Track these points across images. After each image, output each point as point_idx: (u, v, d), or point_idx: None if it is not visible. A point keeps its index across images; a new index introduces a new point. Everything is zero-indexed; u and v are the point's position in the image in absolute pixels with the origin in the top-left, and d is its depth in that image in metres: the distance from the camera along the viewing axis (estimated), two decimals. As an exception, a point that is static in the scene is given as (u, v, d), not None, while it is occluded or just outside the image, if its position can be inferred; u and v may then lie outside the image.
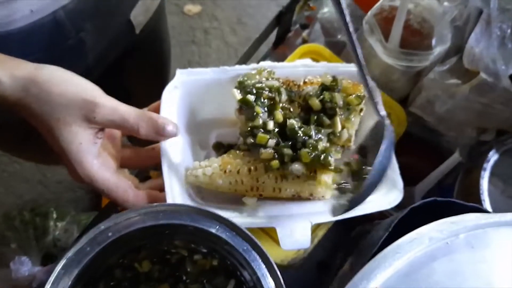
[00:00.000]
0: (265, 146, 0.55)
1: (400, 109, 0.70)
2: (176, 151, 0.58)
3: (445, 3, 0.64)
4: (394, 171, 0.60)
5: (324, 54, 0.73)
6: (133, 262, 0.57)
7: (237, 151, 0.58)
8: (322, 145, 0.56)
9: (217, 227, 0.46)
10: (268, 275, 0.45)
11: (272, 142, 0.55)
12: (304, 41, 0.88)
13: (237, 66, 0.63)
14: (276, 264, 0.60)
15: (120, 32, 0.79)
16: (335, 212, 0.57)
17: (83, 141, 0.51)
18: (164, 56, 1.02)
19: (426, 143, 0.73)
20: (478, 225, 0.41)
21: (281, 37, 0.86)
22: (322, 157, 0.55)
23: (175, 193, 0.55)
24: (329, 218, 0.56)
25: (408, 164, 0.72)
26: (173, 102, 0.60)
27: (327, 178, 0.56)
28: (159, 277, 0.58)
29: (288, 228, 0.55)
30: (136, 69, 0.94)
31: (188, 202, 0.56)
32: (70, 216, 0.87)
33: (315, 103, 0.57)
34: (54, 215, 0.90)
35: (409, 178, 0.71)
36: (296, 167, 0.55)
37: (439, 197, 0.68)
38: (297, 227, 0.55)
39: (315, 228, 0.61)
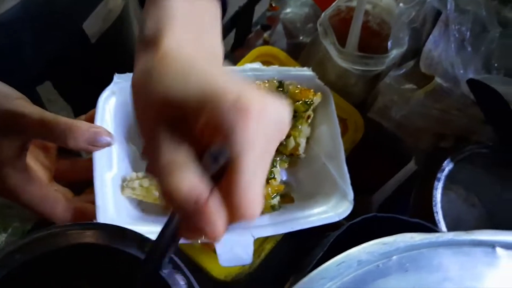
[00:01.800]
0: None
1: (358, 115, 0.67)
2: (113, 162, 0.55)
3: (401, 4, 0.61)
4: (344, 182, 0.57)
5: (279, 57, 0.69)
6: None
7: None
8: None
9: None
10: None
11: None
12: (266, 43, 0.85)
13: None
14: (219, 280, 0.57)
15: (72, 42, 0.75)
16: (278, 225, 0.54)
17: (5, 154, 0.47)
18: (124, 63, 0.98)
19: (386, 150, 0.70)
20: (413, 245, 0.38)
21: (240, 38, 0.82)
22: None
23: (109, 206, 0.52)
24: (272, 231, 0.53)
25: (367, 172, 0.69)
26: (109, 109, 0.56)
27: (269, 190, 0.53)
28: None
29: (228, 243, 0.52)
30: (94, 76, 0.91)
31: (123, 216, 0.53)
32: (13, 227, 0.82)
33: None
34: (-1, 225, 0.86)
35: (368, 187, 0.68)
36: None
37: (396, 207, 0.65)
38: (238, 242, 0.52)
39: (262, 241, 0.58)
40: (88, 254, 0.44)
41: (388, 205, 0.65)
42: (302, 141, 0.59)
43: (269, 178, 0.53)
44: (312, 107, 0.57)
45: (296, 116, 0.56)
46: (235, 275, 0.57)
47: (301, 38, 0.84)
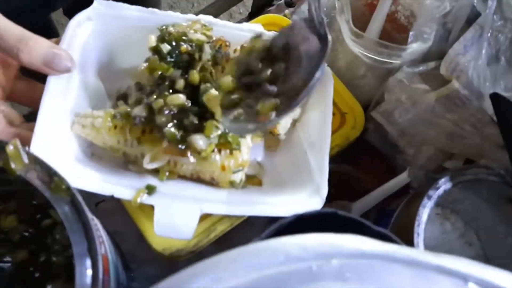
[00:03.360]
0: (160, 110, 0.45)
1: (360, 110, 0.59)
2: (70, 93, 0.49)
3: (435, -8, 0.53)
4: (321, 176, 0.49)
5: (289, 29, 0.62)
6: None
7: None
8: None
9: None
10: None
11: (174, 105, 0.45)
12: (286, 20, 0.78)
13: (170, 12, 0.53)
14: (157, 252, 0.50)
15: None
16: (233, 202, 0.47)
17: None
18: None
19: (382, 157, 0.62)
20: (362, 252, 0.30)
21: (259, 8, 0.75)
22: (231, 135, 0.45)
23: (49, 138, 0.45)
24: (225, 210, 0.46)
25: (355, 176, 0.61)
26: (81, 35, 0.50)
27: (231, 162, 0.46)
28: (19, 241, 0.48)
29: (169, 209, 0.45)
30: None
31: (65, 153, 0.47)
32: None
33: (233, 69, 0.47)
34: None
35: (352, 192, 0.60)
36: (196, 138, 0.45)
37: (377, 222, 0.57)
38: (181, 211, 0.45)
39: (216, 221, 0.51)
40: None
41: (368, 218, 0.57)
42: (285, 120, 0.52)
43: (233, 148, 0.46)
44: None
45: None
46: (175, 250, 0.50)
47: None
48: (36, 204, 0.48)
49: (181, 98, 0.45)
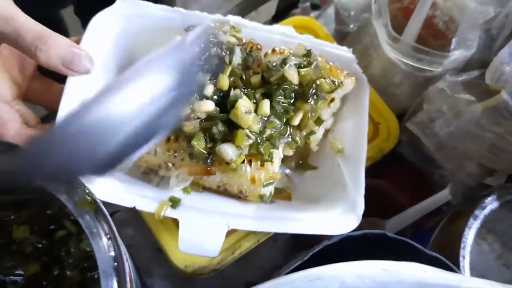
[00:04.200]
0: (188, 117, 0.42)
1: (394, 121, 0.56)
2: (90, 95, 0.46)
3: (479, -2, 0.49)
4: (357, 192, 0.45)
5: (319, 33, 0.59)
6: (8, 220, 0.45)
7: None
8: (269, 131, 0.43)
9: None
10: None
11: (201, 112, 0.42)
12: (311, 24, 0.74)
13: (196, 12, 0.49)
14: (177, 269, 0.47)
15: None
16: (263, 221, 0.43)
17: None
18: None
19: (417, 172, 0.58)
20: (423, 282, 0.27)
21: (283, 10, 0.72)
22: (263, 145, 0.42)
23: None
24: (253, 226, 0.43)
25: (387, 191, 0.57)
26: (103, 34, 0.47)
27: (262, 174, 0.43)
28: (32, 253, 0.45)
29: (194, 224, 0.42)
30: None
31: None
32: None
33: (271, 75, 0.44)
34: None
35: (384, 208, 0.56)
36: (225, 149, 0.41)
37: (412, 241, 0.53)
38: (208, 226, 0.42)
39: (241, 237, 0.47)
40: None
41: (402, 236, 0.53)
42: (319, 131, 0.48)
43: (264, 159, 0.42)
44: (339, 91, 0.46)
45: (318, 97, 0.45)
46: (197, 268, 0.46)
47: (351, 26, 0.73)
48: (50, 214, 0.45)
49: (209, 104, 0.42)
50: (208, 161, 0.43)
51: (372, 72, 0.58)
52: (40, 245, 0.46)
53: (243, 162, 0.42)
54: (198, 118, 0.42)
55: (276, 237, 0.51)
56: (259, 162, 0.43)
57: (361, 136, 0.48)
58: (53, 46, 0.41)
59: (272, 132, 0.43)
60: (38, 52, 0.41)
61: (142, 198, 0.42)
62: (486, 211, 0.45)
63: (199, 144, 0.42)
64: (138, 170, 0.48)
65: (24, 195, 0.44)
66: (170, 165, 0.44)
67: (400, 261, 0.29)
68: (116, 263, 0.31)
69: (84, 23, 0.94)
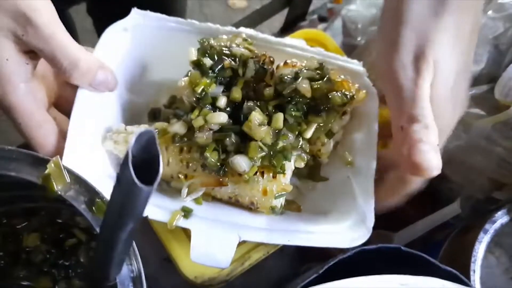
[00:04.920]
0: (202, 128, 0.42)
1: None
2: (102, 106, 0.46)
3: (489, 13, 0.50)
4: (367, 204, 0.46)
5: (328, 46, 0.59)
6: (18, 228, 0.45)
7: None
8: (282, 143, 0.43)
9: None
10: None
11: (215, 123, 0.42)
12: (319, 36, 0.75)
13: (209, 24, 0.50)
14: (186, 279, 0.47)
15: None
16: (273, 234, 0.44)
17: (9, 57, 0.40)
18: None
19: (425, 185, 0.58)
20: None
21: (291, 22, 0.72)
22: (276, 157, 0.42)
23: (79, 151, 0.42)
24: (265, 238, 0.43)
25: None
26: (116, 47, 0.48)
27: (274, 186, 0.43)
28: (42, 263, 0.45)
29: (206, 235, 0.42)
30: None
31: (94, 167, 0.43)
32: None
33: (284, 88, 0.44)
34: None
35: (392, 221, 0.56)
36: (238, 160, 0.42)
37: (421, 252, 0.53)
38: (219, 237, 0.42)
39: (250, 248, 0.47)
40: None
41: (411, 249, 0.54)
42: (329, 143, 0.48)
43: (277, 171, 0.43)
44: (351, 104, 0.47)
45: (329, 110, 0.45)
46: (207, 279, 0.46)
47: (359, 39, 0.73)
48: (60, 222, 0.46)
49: (222, 116, 0.43)
50: (221, 172, 0.43)
51: (379, 85, 0.58)
52: (49, 255, 0.46)
53: (255, 174, 0.43)
54: (211, 129, 0.42)
55: (283, 247, 0.51)
56: (271, 174, 0.43)
57: (370, 148, 0.49)
58: (85, 73, 0.42)
59: (285, 144, 0.43)
60: (70, 77, 0.42)
61: (154, 208, 0.42)
62: (497, 225, 0.45)
63: (212, 156, 0.42)
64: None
65: (35, 203, 0.44)
66: (182, 176, 0.44)
67: (415, 275, 0.29)
68: (133, 274, 0.31)
69: (96, 23, 0.94)
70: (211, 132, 0.42)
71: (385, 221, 0.56)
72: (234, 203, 0.46)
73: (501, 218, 0.45)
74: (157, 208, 0.42)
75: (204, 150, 0.42)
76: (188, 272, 0.46)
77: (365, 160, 0.49)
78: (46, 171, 0.32)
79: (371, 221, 0.45)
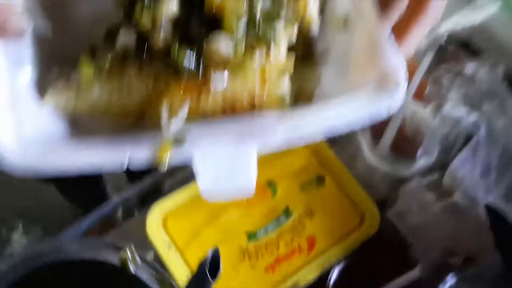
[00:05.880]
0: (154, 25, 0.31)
1: (375, 212, 0.65)
2: (24, 58, 0.32)
3: (438, 119, 0.68)
4: (384, 55, 0.32)
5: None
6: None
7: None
8: (260, 5, 0.32)
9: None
10: None
11: (166, 16, 0.31)
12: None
13: None
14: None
15: None
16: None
17: None
18: None
19: (397, 249, 0.69)
20: None
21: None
22: (261, 24, 0.32)
23: (19, 127, 0.30)
24: (283, 138, 0.30)
25: (372, 267, 0.67)
26: None
27: (271, 67, 0.32)
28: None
29: (214, 156, 0.30)
30: None
31: (49, 136, 0.32)
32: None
33: None
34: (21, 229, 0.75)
35: (370, 283, 0.65)
36: (216, 41, 0.31)
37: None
38: (232, 154, 0.30)
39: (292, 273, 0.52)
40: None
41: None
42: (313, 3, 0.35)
43: (269, 43, 0.32)
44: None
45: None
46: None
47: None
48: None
49: (171, 4, 0.31)
50: (200, 73, 0.31)
51: (357, 171, 0.71)
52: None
53: (244, 54, 0.31)
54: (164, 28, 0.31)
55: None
56: (264, 50, 0.32)
57: None
58: None
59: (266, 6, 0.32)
60: None
61: (134, 147, 0.30)
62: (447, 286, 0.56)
63: (181, 56, 0.31)
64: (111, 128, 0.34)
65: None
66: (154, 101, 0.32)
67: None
68: None
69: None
70: (167, 31, 0.31)
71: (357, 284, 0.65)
72: (230, 110, 0.33)
73: (450, 281, 0.56)
74: (139, 146, 0.30)
75: (168, 55, 0.31)
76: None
77: (361, 10, 0.34)
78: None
79: (400, 74, 0.31)
